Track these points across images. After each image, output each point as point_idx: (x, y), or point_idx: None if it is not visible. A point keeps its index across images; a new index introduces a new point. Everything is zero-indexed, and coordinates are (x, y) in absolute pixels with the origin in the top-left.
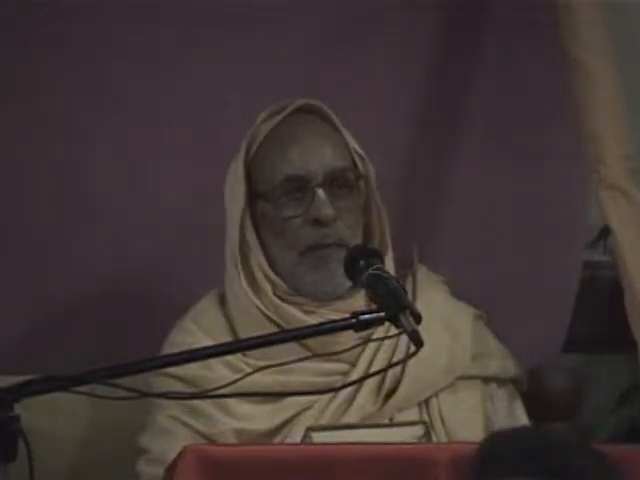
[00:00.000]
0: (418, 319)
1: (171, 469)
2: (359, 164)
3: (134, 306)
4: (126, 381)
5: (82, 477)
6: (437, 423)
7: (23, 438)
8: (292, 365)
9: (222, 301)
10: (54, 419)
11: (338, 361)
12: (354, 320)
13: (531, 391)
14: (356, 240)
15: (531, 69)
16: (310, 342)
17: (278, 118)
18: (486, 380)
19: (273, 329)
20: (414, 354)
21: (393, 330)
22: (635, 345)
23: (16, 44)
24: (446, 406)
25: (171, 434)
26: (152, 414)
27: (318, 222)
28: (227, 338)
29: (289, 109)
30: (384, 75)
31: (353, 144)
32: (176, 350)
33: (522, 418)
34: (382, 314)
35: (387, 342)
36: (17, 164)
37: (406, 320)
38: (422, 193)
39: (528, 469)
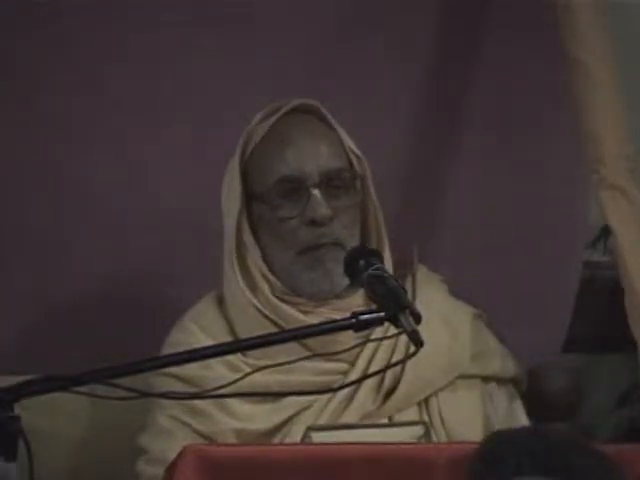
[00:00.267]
0: (418, 319)
1: (171, 469)
2: (355, 163)
3: (134, 306)
4: (126, 381)
5: (82, 477)
6: (437, 423)
7: (23, 438)
8: (292, 365)
9: (221, 301)
10: (54, 419)
11: (337, 361)
12: (354, 320)
13: (531, 391)
14: (353, 239)
15: (531, 69)
16: (310, 342)
17: (274, 118)
18: (486, 379)
19: (272, 329)
20: (414, 354)
21: (393, 330)
22: (635, 345)
23: (16, 44)
24: (446, 406)
25: (171, 434)
26: (152, 414)
27: (314, 222)
28: (227, 338)
29: (284, 109)
30: (384, 75)
31: (349, 143)
32: (176, 350)
33: (522, 418)
34: (382, 314)
35: (387, 342)
36: (17, 164)
37: (406, 320)
38: (422, 193)
39: (529, 469)
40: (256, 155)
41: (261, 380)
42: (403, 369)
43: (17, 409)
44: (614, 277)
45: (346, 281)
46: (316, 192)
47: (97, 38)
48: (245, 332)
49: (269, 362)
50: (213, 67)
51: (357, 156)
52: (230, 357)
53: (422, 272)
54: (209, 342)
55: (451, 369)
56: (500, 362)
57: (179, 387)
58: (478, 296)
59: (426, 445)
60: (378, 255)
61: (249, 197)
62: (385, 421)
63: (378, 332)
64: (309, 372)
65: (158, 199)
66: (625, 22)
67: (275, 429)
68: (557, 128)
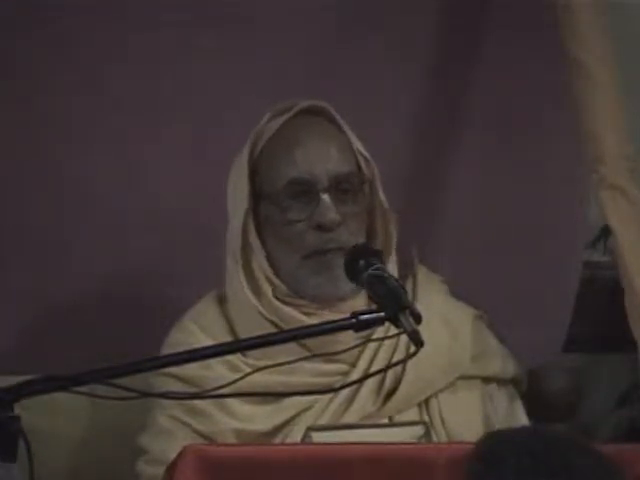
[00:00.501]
0: (418, 319)
1: (171, 469)
2: (363, 166)
3: (134, 306)
4: (126, 381)
5: (82, 477)
6: (437, 423)
7: (23, 438)
8: (292, 366)
9: (221, 301)
10: (54, 419)
11: (338, 362)
12: (354, 320)
13: (531, 391)
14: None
15: (531, 69)
16: (310, 342)
17: (284, 118)
18: (486, 380)
19: (272, 330)
20: (414, 354)
21: (393, 330)
22: (635, 345)
23: (16, 44)
24: (446, 406)
25: (171, 434)
26: (152, 414)
27: (322, 227)
28: (227, 338)
29: (295, 109)
30: (384, 75)
31: (358, 146)
32: (176, 350)
33: (522, 418)
34: (382, 314)
35: (387, 342)
36: (17, 164)
37: (406, 320)
38: (422, 193)
39: (528, 469)
40: (265, 155)
41: (261, 381)
42: (403, 370)
43: (17, 409)
44: (614, 277)
45: (351, 286)
46: (325, 197)
47: (97, 38)
48: (245, 332)
49: (269, 363)
50: (213, 67)
51: (366, 159)
52: (230, 357)
53: (422, 273)
54: (209, 342)
55: (451, 370)
56: (500, 363)
57: (179, 387)
58: (478, 296)
59: (426, 445)
60: (378, 254)
61: (256, 197)
62: (385, 421)
63: (378, 333)
64: (309, 373)
65: (158, 199)
66: (625, 22)
67: (275, 430)
68: (557, 128)
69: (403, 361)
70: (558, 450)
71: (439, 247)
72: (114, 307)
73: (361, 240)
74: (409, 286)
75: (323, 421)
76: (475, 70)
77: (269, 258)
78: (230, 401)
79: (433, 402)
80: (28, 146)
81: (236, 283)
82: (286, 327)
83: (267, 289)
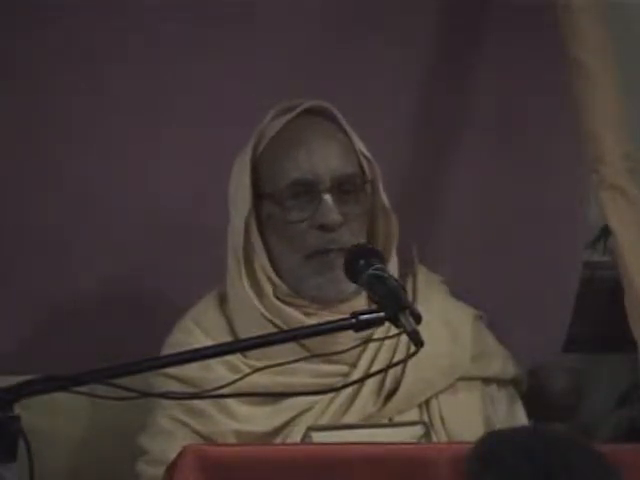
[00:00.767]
0: (418, 319)
1: (171, 469)
2: (365, 167)
3: (134, 306)
4: (126, 381)
5: (82, 477)
6: (437, 424)
7: (23, 438)
8: (292, 367)
9: (222, 301)
10: (54, 419)
11: (338, 363)
12: (354, 320)
13: (531, 391)
14: None
15: (531, 69)
16: (310, 343)
17: (286, 118)
18: (486, 381)
19: (272, 330)
20: (414, 354)
21: (393, 330)
22: (635, 345)
23: (16, 44)
24: (446, 407)
25: (171, 434)
26: (152, 414)
27: (324, 228)
28: (227, 338)
29: (298, 109)
30: (384, 75)
31: (360, 146)
32: (176, 350)
33: (522, 419)
34: (382, 314)
35: (387, 343)
36: (17, 164)
37: (406, 320)
38: (422, 193)
39: (527, 469)
40: (268, 154)
41: (261, 382)
42: (404, 370)
43: (17, 409)
44: (614, 277)
45: (352, 286)
46: (327, 197)
47: (97, 38)
48: (245, 332)
49: (269, 363)
50: (213, 67)
51: (368, 159)
52: (230, 358)
53: (422, 273)
54: (209, 343)
55: (452, 371)
56: (500, 363)
57: (179, 388)
58: (478, 296)
59: (426, 445)
60: (378, 254)
61: (258, 196)
62: (385, 422)
63: (379, 333)
64: (310, 374)
65: (158, 199)
66: (625, 22)
67: (275, 431)
68: (557, 128)
69: (403, 361)
70: (558, 450)
71: (439, 247)
72: (114, 307)
73: (362, 240)
74: (409, 286)
75: (323, 422)
76: (475, 70)
77: (271, 258)
78: (230, 402)
79: (433, 403)
80: (28, 146)
81: (237, 283)
82: (286, 327)
83: (268, 289)
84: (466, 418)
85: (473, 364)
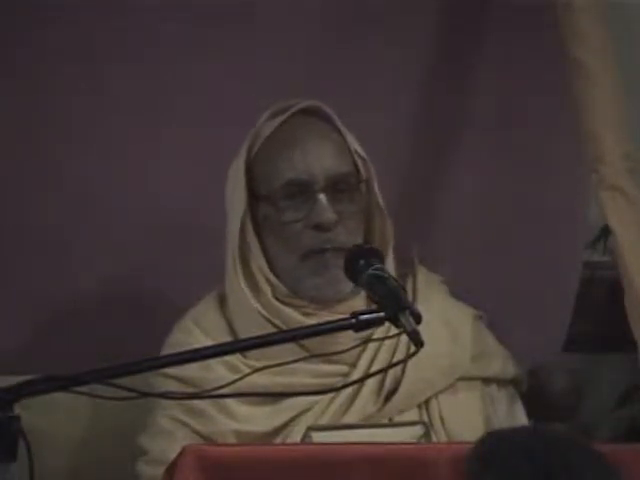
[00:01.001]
0: (418, 319)
1: (171, 469)
2: (360, 167)
3: (134, 306)
4: (126, 381)
5: (82, 477)
6: (437, 424)
7: (23, 438)
8: (292, 367)
9: (222, 302)
10: (54, 419)
11: (338, 363)
12: (354, 320)
13: (531, 391)
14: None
15: (531, 69)
16: (310, 344)
17: (280, 119)
18: (486, 381)
19: (272, 331)
20: (414, 354)
21: (393, 330)
22: (635, 345)
23: (16, 44)
24: (446, 407)
25: (171, 434)
26: (152, 414)
27: (319, 227)
28: (227, 339)
29: (292, 110)
30: (384, 75)
31: (355, 146)
32: (176, 350)
33: (522, 420)
34: (382, 314)
35: (387, 343)
36: (17, 164)
37: (406, 320)
38: (422, 193)
39: (527, 469)
40: (262, 155)
41: (261, 382)
42: (404, 371)
43: (17, 409)
44: (614, 277)
45: (349, 286)
46: (322, 196)
47: (97, 38)
48: (245, 333)
49: (269, 364)
50: (213, 67)
51: (363, 159)
52: (230, 358)
53: (422, 273)
54: (209, 343)
55: (452, 371)
56: (500, 363)
57: (179, 388)
58: (478, 296)
59: (426, 445)
60: (378, 254)
61: (254, 197)
62: (385, 422)
63: (378, 333)
64: (309, 374)
65: (158, 199)
66: (625, 22)
67: (275, 431)
68: (557, 128)
69: (403, 361)
70: (558, 450)
71: (439, 247)
72: (114, 307)
73: (359, 239)
74: (409, 286)
75: (323, 422)
76: (475, 70)
77: (268, 258)
78: (230, 402)
79: (433, 403)
80: (28, 146)
81: (235, 283)
82: (286, 328)
83: (266, 289)
84: (466, 418)
85: (473, 364)
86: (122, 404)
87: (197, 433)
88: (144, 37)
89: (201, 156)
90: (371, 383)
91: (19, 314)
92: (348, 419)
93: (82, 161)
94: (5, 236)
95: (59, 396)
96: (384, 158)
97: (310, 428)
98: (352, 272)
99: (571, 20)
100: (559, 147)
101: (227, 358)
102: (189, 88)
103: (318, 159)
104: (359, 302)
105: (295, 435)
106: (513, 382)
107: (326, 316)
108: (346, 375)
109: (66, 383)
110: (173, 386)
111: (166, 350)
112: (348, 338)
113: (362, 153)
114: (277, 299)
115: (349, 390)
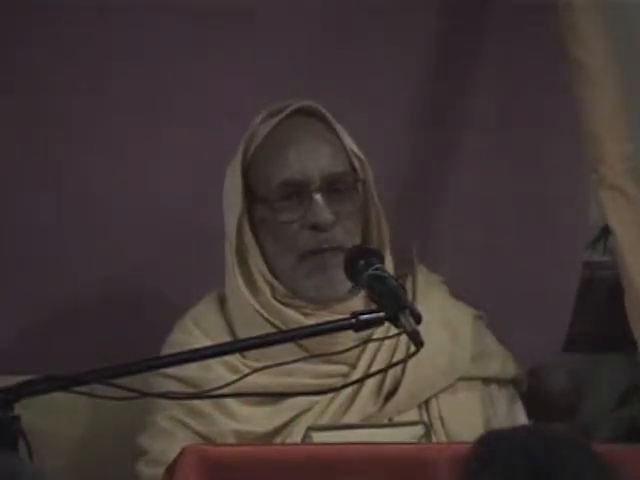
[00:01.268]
0: (418, 319)
1: (171, 469)
2: (357, 166)
3: (134, 306)
4: (126, 381)
5: (82, 477)
6: (437, 424)
7: (23, 438)
8: (291, 367)
9: (222, 302)
10: (54, 419)
11: (338, 363)
12: (354, 320)
13: (531, 391)
14: (354, 244)
15: (531, 69)
16: (309, 344)
17: (275, 120)
18: (486, 381)
19: (272, 331)
20: (414, 354)
21: (393, 330)
22: (635, 345)
23: (16, 44)
24: (446, 407)
25: (170, 435)
26: (152, 414)
27: (316, 227)
28: (227, 339)
29: (287, 111)
30: (384, 75)
31: (351, 146)
32: (176, 349)
33: (522, 420)
34: (382, 314)
35: (387, 343)
36: (17, 164)
37: (406, 320)
38: (422, 193)
39: (526, 469)
40: (258, 156)
41: (260, 382)
42: (403, 371)
43: (17, 409)
44: (614, 277)
45: (348, 286)
46: (318, 197)
47: (97, 38)
48: (244, 333)
49: (268, 364)
50: (213, 67)
51: (359, 159)
52: (229, 358)
53: (422, 273)
54: (209, 343)
55: (452, 371)
56: (500, 363)
57: (178, 388)
58: (478, 296)
59: (426, 445)
60: (378, 255)
61: (251, 199)
62: (385, 422)
63: (378, 333)
64: (309, 374)
65: (158, 199)
66: (625, 22)
67: (275, 431)
68: (557, 128)
69: (403, 361)
70: (557, 450)
71: (439, 247)
72: (114, 307)
73: (357, 239)
74: (409, 286)
75: (323, 422)
76: (475, 70)
77: (266, 258)
78: (229, 402)
79: (433, 403)
80: (28, 146)
81: (234, 284)
82: (285, 328)
83: (265, 290)
84: (466, 418)
85: (473, 364)
86: (122, 404)
87: (197, 433)
88: (144, 37)
89: (201, 156)
90: (371, 383)
91: (19, 314)
92: (348, 419)
93: (82, 161)
94: (5, 236)
95: (59, 396)
96: (384, 158)
97: (310, 428)
98: (352, 272)
99: (571, 20)
100: (559, 147)
101: (227, 358)
102: (189, 88)
103: (313, 159)
104: (358, 302)
105: (295, 435)
106: (513, 382)
107: (325, 316)
108: (346, 375)
109: (66, 383)
110: (173, 386)
111: (166, 350)
112: (348, 338)
113: (359, 153)
114: (276, 299)
115: (349, 390)
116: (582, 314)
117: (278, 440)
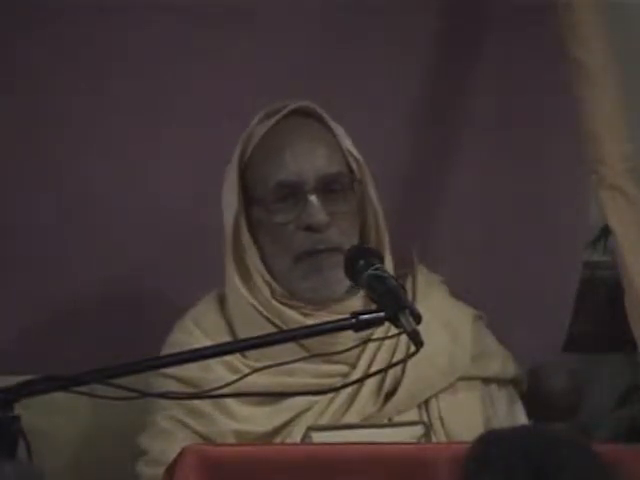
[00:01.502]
0: (418, 319)
1: (171, 469)
2: (354, 166)
3: (134, 306)
4: (126, 381)
5: (82, 477)
6: (437, 424)
7: (23, 438)
8: (291, 367)
9: (222, 302)
10: (54, 419)
11: (338, 363)
12: (354, 320)
13: (531, 391)
14: (352, 244)
15: (531, 69)
16: (309, 344)
17: (272, 121)
18: (486, 381)
19: (272, 331)
20: (414, 354)
21: (393, 330)
22: (635, 345)
23: (16, 44)
24: (446, 407)
25: (170, 435)
26: (152, 414)
27: (311, 228)
28: (227, 339)
29: (283, 112)
30: (384, 75)
31: (348, 146)
32: (176, 349)
33: (522, 419)
34: (382, 314)
35: (387, 343)
36: (17, 164)
37: (406, 320)
38: (422, 193)
39: (525, 469)
40: (254, 158)
41: (260, 382)
42: (403, 371)
43: (17, 409)
44: (614, 277)
45: (345, 286)
46: (313, 197)
47: (97, 38)
48: (244, 333)
49: (268, 364)
50: (213, 67)
51: (356, 159)
52: (229, 358)
53: (422, 273)
54: (209, 343)
55: (452, 371)
56: (500, 363)
57: (178, 388)
58: (478, 296)
59: (426, 445)
60: (378, 255)
61: (249, 200)
62: (385, 421)
63: (378, 333)
64: (309, 374)
65: (158, 199)
66: (625, 22)
67: (275, 431)
68: (557, 128)
69: (403, 361)
70: (557, 450)
71: (439, 247)
72: (114, 307)
73: (354, 240)
74: (409, 286)
75: (323, 422)
76: (475, 70)
77: (264, 259)
78: (229, 402)
79: (433, 403)
80: (28, 146)
81: (232, 284)
82: (285, 328)
83: (265, 290)
84: (465, 418)
85: (473, 364)
86: (122, 404)
87: (197, 433)
88: (144, 37)
89: (201, 156)
90: (371, 383)
91: (19, 314)
92: (348, 419)
93: (82, 161)
94: (5, 236)
95: (59, 396)
96: (384, 158)
97: (310, 428)
98: (352, 272)
99: (571, 20)
100: (559, 147)
101: (227, 358)
102: (189, 88)
103: (308, 160)
104: (357, 302)
105: (295, 435)
106: (513, 382)
107: (324, 317)
108: (346, 375)
109: (66, 383)
110: (173, 386)
111: (166, 349)
112: (348, 338)
113: (355, 153)
114: (276, 299)
115: (349, 390)
116: (582, 314)
117: (278, 440)
